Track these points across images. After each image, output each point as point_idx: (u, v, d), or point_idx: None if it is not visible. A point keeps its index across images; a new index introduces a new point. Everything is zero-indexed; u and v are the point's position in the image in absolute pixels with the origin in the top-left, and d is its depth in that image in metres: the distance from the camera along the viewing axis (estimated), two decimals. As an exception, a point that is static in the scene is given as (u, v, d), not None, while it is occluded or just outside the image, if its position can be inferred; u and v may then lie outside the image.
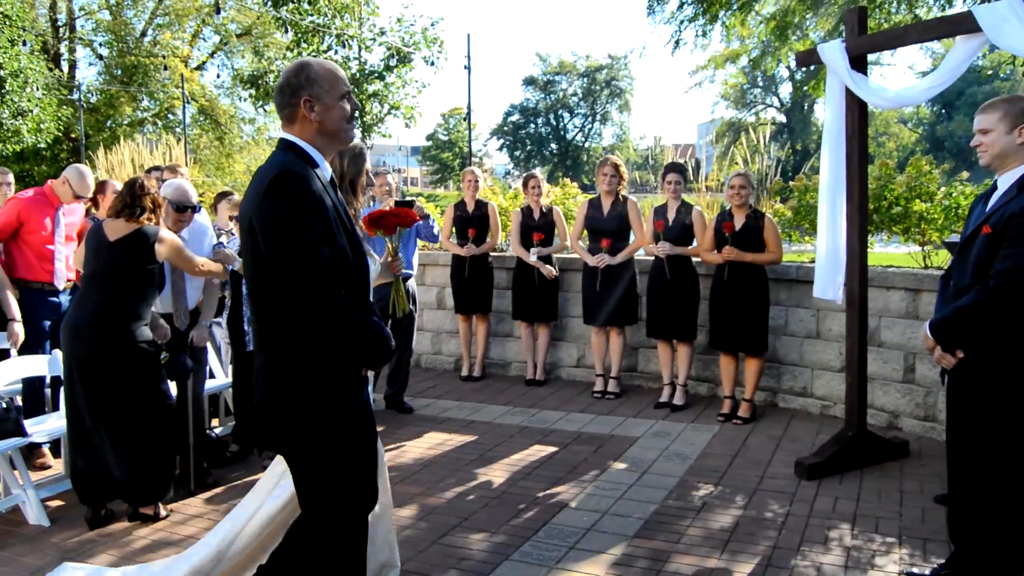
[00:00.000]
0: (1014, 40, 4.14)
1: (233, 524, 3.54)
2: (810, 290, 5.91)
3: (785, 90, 57.09)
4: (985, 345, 3.18)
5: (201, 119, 27.56)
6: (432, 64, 11.21)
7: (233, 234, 5.79)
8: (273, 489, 3.51)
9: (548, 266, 7.39)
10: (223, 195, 6.57)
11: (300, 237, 2.46)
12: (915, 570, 3.80)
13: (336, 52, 11.00)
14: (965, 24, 4.44)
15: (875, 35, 5.34)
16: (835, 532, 4.34)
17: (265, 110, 13.26)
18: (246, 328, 5.48)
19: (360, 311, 2.64)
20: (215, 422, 6.30)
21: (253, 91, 11.63)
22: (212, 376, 6.04)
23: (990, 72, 38.36)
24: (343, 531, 2.79)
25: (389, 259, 3.82)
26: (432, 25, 11.08)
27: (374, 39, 11.15)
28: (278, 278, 2.49)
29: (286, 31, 10.61)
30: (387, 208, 6.34)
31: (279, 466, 3.47)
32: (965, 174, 7.46)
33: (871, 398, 6.01)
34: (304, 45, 10.87)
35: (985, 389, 3.19)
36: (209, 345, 5.59)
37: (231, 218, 5.66)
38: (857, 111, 5.19)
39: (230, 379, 5.90)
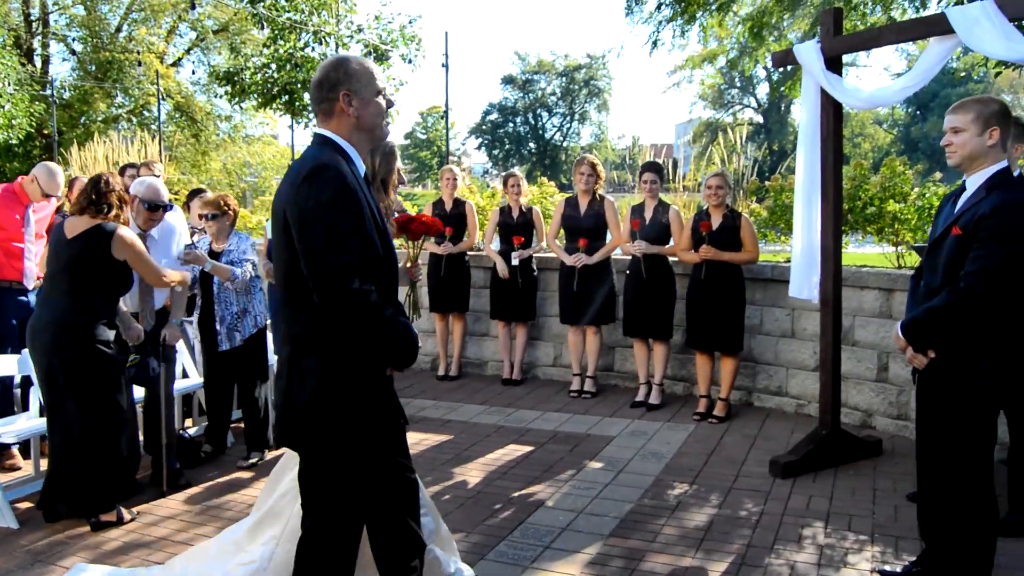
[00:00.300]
0: (985, 42, 4.17)
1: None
2: (785, 290, 5.94)
3: (762, 91, 57.50)
4: (955, 345, 3.20)
5: (177, 116, 27.33)
6: (410, 62, 11.20)
7: (205, 232, 5.74)
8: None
9: (503, 264, 7.40)
10: (195, 192, 6.52)
11: (334, 229, 2.45)
12: (887, 568, 3.83)
13: (313, 49, 10.93)
14: (938, 26, 4.47)
15: (850, 36, 5.37)
16: (809, 530, 4.37)
17: (241, 107, 13.16)
18: (218, 328, 5.43)
19: (389, 309, 2.61)
20: (188, 422, 6.24)
21: (229, 88, 11.52)
22: (185, 376, 5.99)
23: (963, 74, 38.79)
24: (344, 535, 2.75)
25: (408, 265, 3.74)
26: (410, 23, 11.09)
27: (351, 36, 11.10)
28: (310, 269, 2.47)
29: (262, 27, 10.53)
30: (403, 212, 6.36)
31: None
32: (938, 175, 7.54)
33: (845, 397, 6.05)
34: (281, 42, 10.80)
35: (954, 388, 3.22)
36: (181, 344, 5.54)
37: (201, 216, 5.60)
38: (832, 112, 5.22)
39: (202, 379, 5.84)
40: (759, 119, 57.89)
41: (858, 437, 5.59)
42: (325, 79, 2.66)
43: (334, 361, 2.58)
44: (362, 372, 2.61)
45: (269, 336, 6.36)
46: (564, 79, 68.77)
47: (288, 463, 3.53)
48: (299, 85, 10.92)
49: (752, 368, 6.96)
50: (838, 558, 4.04)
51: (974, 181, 3.28)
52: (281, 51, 10.69)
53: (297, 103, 11.13)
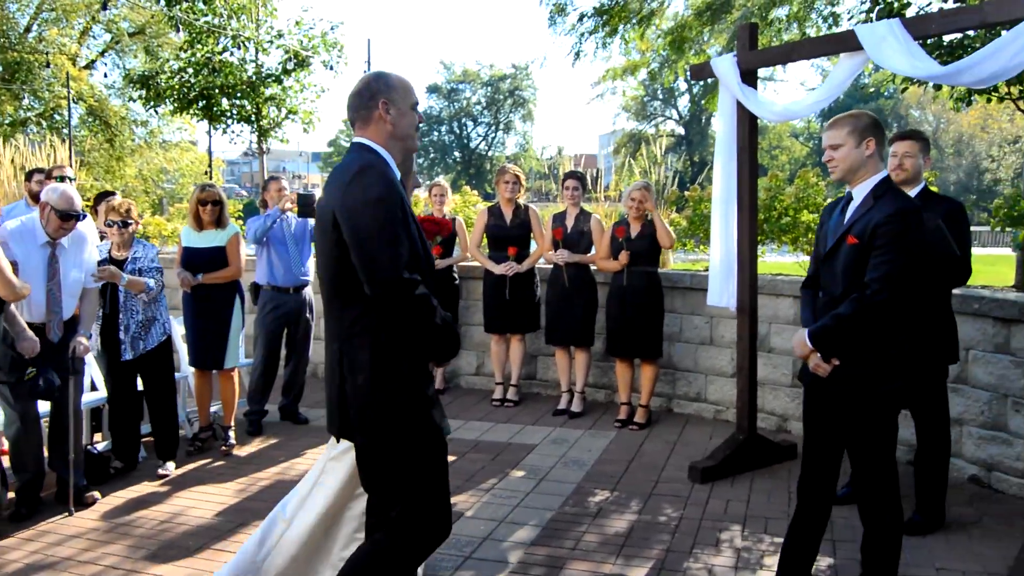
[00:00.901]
0: (891, 59, 4.33)
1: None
2: (704, 298, 6.05)
3: (684, 103, 58.62)
4: (861, 351, 3.29)
5: (90, 120, 26.44)
6: (331, 68, 11.03)
7: (106, 238, 5.55)
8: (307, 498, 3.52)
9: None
10: (104, 196, 6.30)
11: (383, 223, 2.58)
12: None
13: (232, 54, 10.70)
14: (847, 43, 4.61)
15: (765, 51, 5.51)
16: (726, 534, 4.44)
17: (156, 112, 12.78)
18: (121, 337, 5.25)
19: (435, 300, 2.74)
20: (98, 436, 6.02)
21: (144, 92, 11.20)
22: (94, 388, 5.77)
23: (872, 90, 40.28)
24: (415, 534, 2.79)
25: None
26: (332, 29, 10.91)
27: (271, 42, 10.89)
28: (362, 261, 2.59)
29: (178, 30, 10.27)
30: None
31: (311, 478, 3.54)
32: (897, 186, 7.73)
33: (761, 402, 6.18)
34: (199, 46, 10.54)
35: (860, 394, 3.28)
36: (90, 356, 5.34)
37: (110, 224, 5.38)
38: (747, 124, 5.34)
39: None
40: (680, 131, 58.98)
41: (774, 441, 5.71)
42: (366, 88, 2.83)
43: (384, 355, 2.68)
44: (411, 367, 2.73)
45: (182, 345, 6.19)
46: (489, 89, 68.96)
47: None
48: (216, 90, 10.67)
49: (672, 375, 7.06)
50: (755, 560, 4.11)
51: (860, 191, 3.36)
52: (199, 55, 10.42)
53: (215, 108, 10.88)
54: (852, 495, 4.81)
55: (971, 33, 6.46)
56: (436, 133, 69.64)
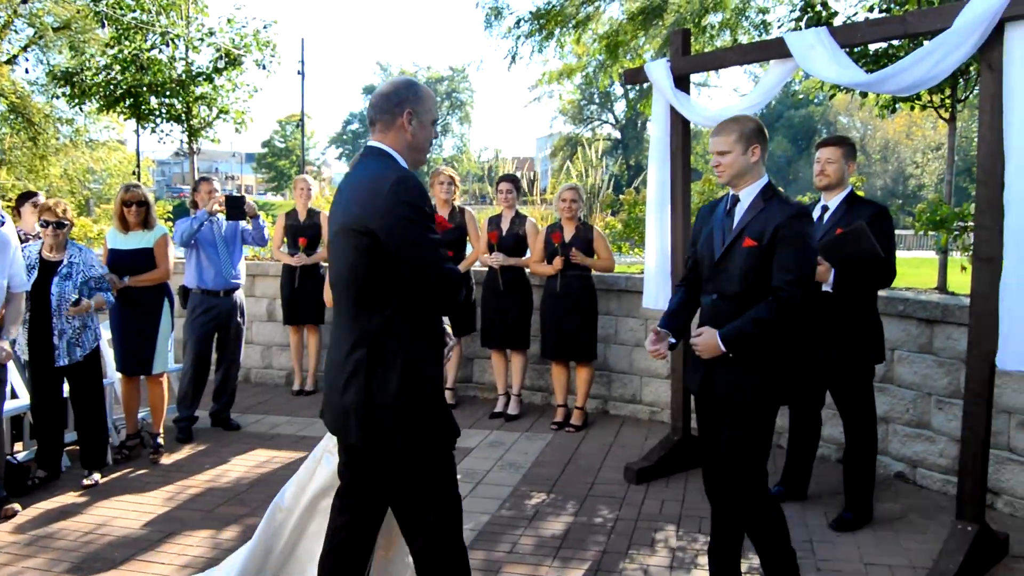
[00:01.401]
0: (819, 66, 4.42)
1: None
2: (639, 300, 6.10)
3: (620, 107, 59.25)
4: (767, 351, 3.34)
5: (12, 117, 25.52)
6: (264, 68, 10.84)
7: (39, 238, 5.37)
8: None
9: None
10: (26, 196, 6.09)
11: (425, 227, 2.68)
12: None
13: (160, 51, 10.43)
14: (777, 50, 4.70)
15: (697, 57, 5.58)
16: (662, 534, 4.48)
17: (82, 109, 12.41)
18: (56, 342, 5.08)
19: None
20: (18, 446, 5.80)
21: (68, 89, 10.85)
22: (15, 396, 5.56)
23: (801, 97, 41.23)
24: (454, 529, 2.87)
25: None
26: (265, 28, 10.72)
27: (202, 39, 10.65)
28: (416, 267, 2.66)
29: (103, 26, 9.99)
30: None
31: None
32: (781, 190, 7.90)
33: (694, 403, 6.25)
34: (126, 42, 10.26)
35: (762, 393, 3.34)
36: (11, 363, 5.13)
37: (45, 225, 5.19)
38: (681, 128, 5.41)
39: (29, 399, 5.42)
40: (617, 135, 59.61)
41: (707, 442, 5.77)
42: (395, 93, 2.83)
43: (416, 359, 2.73)
44: (435, 370, 2.81)
45: (108, 350, 6.01)
46: (426, 91, 68.66)
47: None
48: (144, 88, 10.38)
49: (607, 377, 7.11)
50: (689, 560, 4.15)
51: (747, 194, 3.42)
52: (126, 52, 10.14)
53: (143, 106, 10.58)
54: (785, 493, 4.94)
55: (895, 43, 6.65)
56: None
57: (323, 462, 3.55)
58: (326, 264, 7.71)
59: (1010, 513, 4.74)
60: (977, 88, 6.67)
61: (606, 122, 61.15)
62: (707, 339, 3.39)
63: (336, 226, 2.81)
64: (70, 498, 5.01)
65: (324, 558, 3.03)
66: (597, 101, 59.57)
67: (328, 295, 3.51)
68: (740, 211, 3.43)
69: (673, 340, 3.65)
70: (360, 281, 2.71)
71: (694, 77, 5.65)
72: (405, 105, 2.82)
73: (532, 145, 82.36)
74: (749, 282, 3.34)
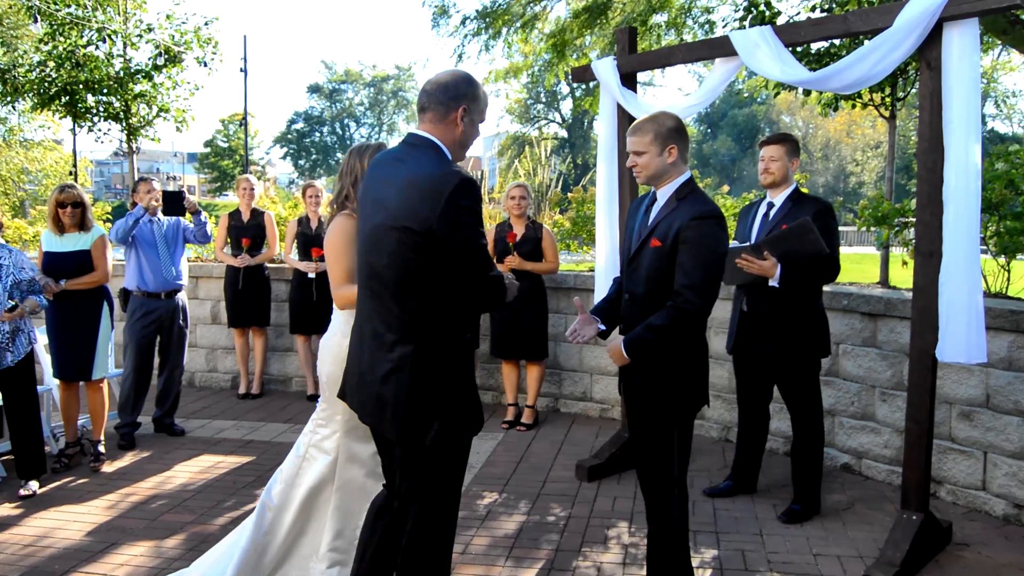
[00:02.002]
0: (763, 64, 4.47)
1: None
2: (589, 298, 6.10)
3: (567, 106, 59.49)
4: (669, 355, 3.29)
5: (-59, 117, 24.70)
6: (205, 65, 10.61)
7: None
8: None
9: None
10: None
11: (482, 235, 2.72)
12: None
13: (97, 48, 10.13)
14: (723, 48, 4.74)
15: (644, 55, 5.60)
16: (614, 531, 4.48)
17: (15, 108, 12.03)
18: (2, 341, 4.92)
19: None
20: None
21: (0, 86, 10.51)
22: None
23: (745, 96, 41.89)
24: (447, 516, 2.91)
25: None
26: (206, 24, 10.48)
27: (140, 36, 10.38)
28: (470, 267, 2.69)
29: (36, 21, 9.69)
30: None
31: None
32: (726, 187, 8.04)
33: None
34: (60, 38, 9.96)
35: (668, 397, 3.29)
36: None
37: None
38: (628, 126, 5.40)
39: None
40: (563, 134, 59.87)
41: (657, 438, 5.80)
42: (454, 86, 2.80)
43: (461, 354, 2.79)
44: (472, 367, 2.88)
45: (45, 356, 5.84)
46: (372, 89, 68.35)
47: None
48: (81, 85, 10.08)
49: (558, 375, 7.12)
50: (641, 556, 4.16)
51: (663, 193, 3.36)
52: (60, 48, 9.84)
53: (79, 105, 10.28)
54: (735, 487, 5.00)
55: (837, 43, 6.77)
56: (318, 134, 68.53)
57: (310, 458, 3.53)
58: (271, 265, 7.67)
59: (952, 501, 4.85)
60: (915, 87, 6.82)
61: (553, 121, 61.37)
62: (613, 347, 3.35)
63: (382, 220, 2.73)
64: (6, 509, 4.84)
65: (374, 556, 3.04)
66: (544, 100, 59.74)
67: (347, 292, 3.43)
68: (655, 210, 3.38)
69: (602, 327, 3.56)
70: (410, 277, 2.70)
71: (640, 76, 5.67)
72: (462, 101, 2.79)
73: (479, 144, 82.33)
74: (654, 284, 3.27)
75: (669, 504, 3.36)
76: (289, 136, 67.48)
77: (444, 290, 2.71)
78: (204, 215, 6.38)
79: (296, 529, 3.54)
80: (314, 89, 68.35)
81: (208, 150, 58.50)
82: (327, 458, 3.51)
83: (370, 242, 2.79)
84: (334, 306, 3.61)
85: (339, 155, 66.51)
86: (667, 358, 3.27)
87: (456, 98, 2.78)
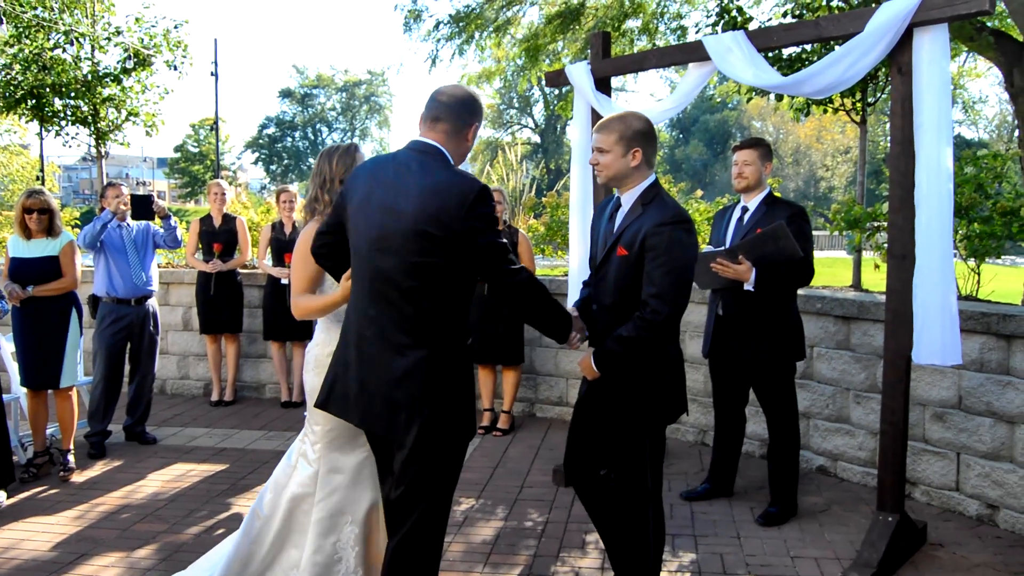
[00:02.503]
0: (736, 69, 4.49)
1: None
2: (564, 303, 6.09)
3: (540, 111, 59.65)
4: (639, 366, 3.23)
5: (-98, 121, 24.27)
6: (175, 69, 10.48)
7: None
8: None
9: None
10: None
11: (501, 234, 2.82)
12: None
13: (64, 51, 9.98)
14: (696, 52, 4.75)
15: (618, 59, 5.61)
16: (592, 535, 4.46)
17: (-19, 111, 11.82)
18: None
19: None
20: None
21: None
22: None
23: (719, 101, 42.23)
24: (444, 520, 2.95)
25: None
26: (176, 27, 10.37)
27: (109, 39, 10.24)
28: (493, 271, 2.78)
29: (1, 23, 9.51)
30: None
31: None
32: (699, 192, 8.09)
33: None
34: (27, 41, 9.81)
35: (638, 408, 3.23)
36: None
37: None
38: (603, 130, 5.42)
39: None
40: (536, 139, 59.99)
41: (634, 442, 5.81)
42: (472, 104, 2.91)
43: (463, 357, 2.87)
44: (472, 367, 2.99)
45: (12, 364, 5.74)
46: (344, 94, 68.10)
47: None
48: (47, 89, 9.92)
49: (534, 380, 7.10)
50: (619, 561, 4.15)
51: (628, 198, 3.29)
52: (27, 51, 9.69)
53: (47, 108, 10.12)
54: (712, 490, 5.01)
55: (808, 48, 6.83)
56: (290, 139, 68.15)
57: (298, 467, 3.48)
58: (244, 271, 7.59)
59: (927, 502, 4.89)
60: (885, 92, 6.90)
61: (526, 126, 61.51)
62: (583, 361, 3.30)
63: (396, 224, 2.72)
64: (-31, 521, 4.74)
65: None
66: (516, 105, 59.87)
67: (304, 303, 3.41)
68: (620, 216, 3.29)
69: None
70: (427, 280, 2.73)
71: (613, 82, 5.68)
72: (475, 119, 2.91)
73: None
74: (621, 293, 3.19)
75: (643, 528, 3.28)
76: (261, 141, 67.03)
77: (456, 294, 2.79)
78: (174, 219, 6.29)
79: (280, 540, 3.49)
80: (286, 94, 67.95)
81: (178, 155, 57.92)
82: (310, 469, 3.46)
83: (378, 245, 2.76)
84: (319, 322, 3.55)
85: (311, 160, 66.20)
86: (639, 368, 3.21)
87: (472, 115, 2.89)
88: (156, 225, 6.27)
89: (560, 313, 3.02)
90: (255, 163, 68.06)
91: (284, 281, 7.10)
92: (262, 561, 3.49)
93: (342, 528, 3.34)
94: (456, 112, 2.85)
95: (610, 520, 3.46)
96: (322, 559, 3.34)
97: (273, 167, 66.99)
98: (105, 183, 6.62)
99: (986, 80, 49.40)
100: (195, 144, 57.32)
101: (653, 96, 63.40)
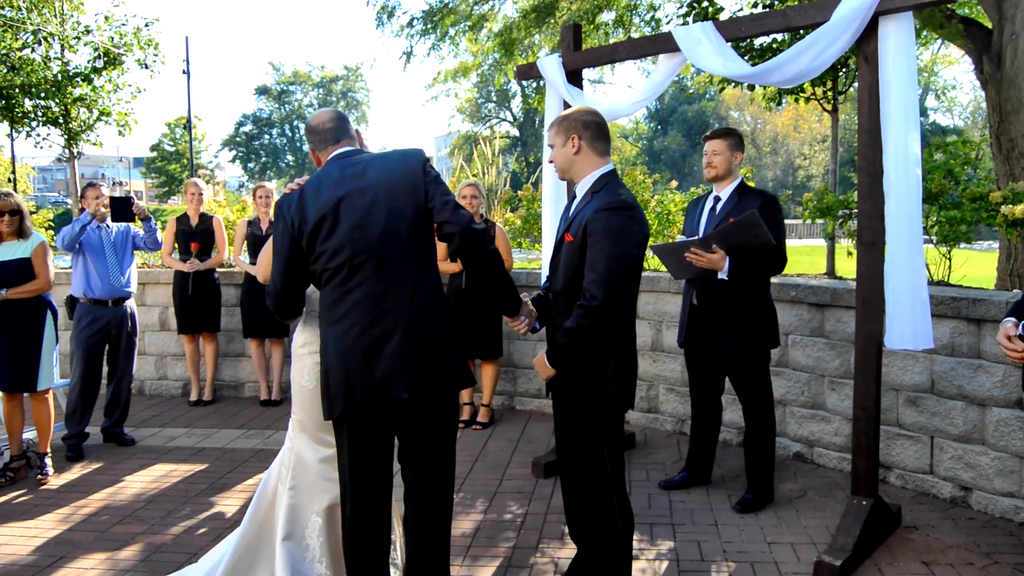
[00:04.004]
0: (706, 59, 4.51)
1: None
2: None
3: (518, 105, 59.57)
4: (587, 358, 3.24)
5: None
6: (146, 68, 10.38)
7: None
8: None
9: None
10: None
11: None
12: None
13: (33, 50, 9.87)
14: (666, 44, 4.77)
15: (589, 51, 5.62)
16: (570, 527, 4.49)
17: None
18: None
19: None
20: None
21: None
22: None
23: (692, 92, 42.35)
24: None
25: None
26: (147, 26, 10.28)
27: (78, 38, 10.13)
28: (458, 213, 2.99)
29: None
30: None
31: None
32: (675, 183, 8.10)
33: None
34: (-6, 41, 9.71)
35: (587, 401, 3.25)
36: None
37: None
38: (576, 122, 5.43)
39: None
40: (515, 132, 59.93)
41: (613, 433, 5.83)
42: (342, 119, 3.26)
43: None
44: None
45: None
46: (321, 91, 67.76)
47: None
48: (16, 89, 9.80)
49: (513, 373, 7.12)
50: (598, 551, 4.17)
51: (581, 188, 3.35)
52: (-5, 52, 9.58)
53: (16, 109, 10.00)
54: (690, 479, 5.05)
55: (779, 38, 6.87)
56: (267, 136, 67.75)
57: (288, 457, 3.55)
58: (222, 269, 7.56)
59: (901, 486, 4.95)
60: (856, 81, 6.95)
61: (504, 120, 61.41)
62: (537, 361, 3.39)
63: (382, 194, 2.97)
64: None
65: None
66: (495, 99, 59.76)
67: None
68: (574, 205, 3.37)
69: (537, 324, 3.52)
70: (423, 238, 3.01)
71: (590, 75, 5.69)
72: (353, 128, 3.26)
73: (431, 144, 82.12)
74: (569, 280, 3.24)
75: (609, 518, 3.29)
76: (238, 139, 66.60)
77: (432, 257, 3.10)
78: (154, 222, 6.26)
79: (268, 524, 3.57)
80: (262, 91, 67.54)
81: (155, 154, 57.40)
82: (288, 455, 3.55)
83: (365, 227, 2.95)
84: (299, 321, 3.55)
85: (289, 157, 65.90)
86: (589, 359, 3.21)
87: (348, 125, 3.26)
88: (136, 227, 6.24)
89: (512, 286, 3.24)
90: (232, 161, 67.65)
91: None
92: (266, 546, 3.53)
93: (308, 517, 3.41)
94: (342, 129, 3.20)
95: (580, 512, 3.48)
96: (292, 544, 3.38)
97: (251, 165, 66.60)
98: (81, 184, 6.57)
99: (960, 67, 49.84)
100: (171, 143, 56.80)
101: (631, 87, 63.47)
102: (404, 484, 3.15)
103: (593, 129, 3.30)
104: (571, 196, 3.51)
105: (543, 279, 5.59)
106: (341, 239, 2.92)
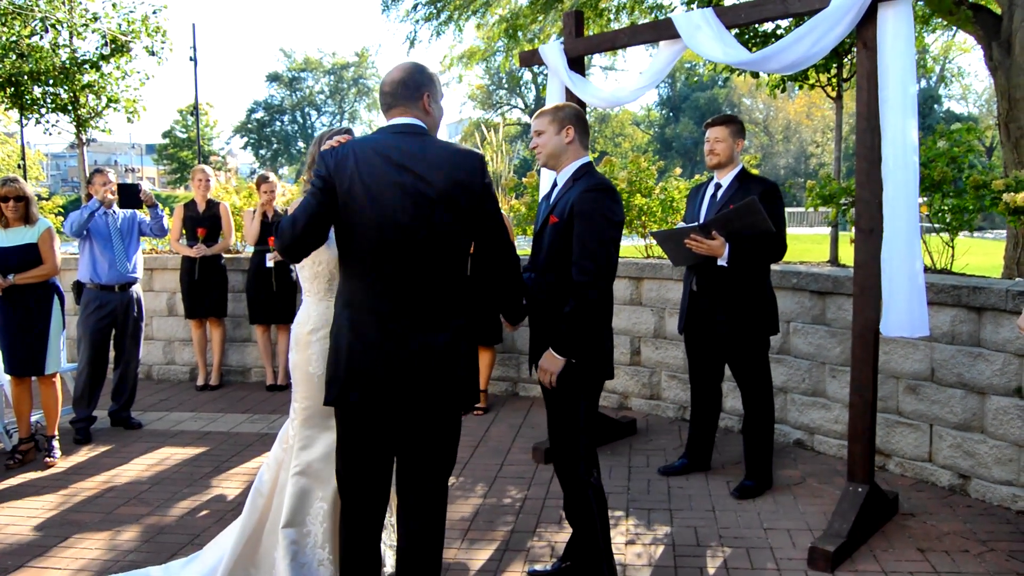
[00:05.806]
0: (705, 46, 4.51)
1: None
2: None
3: (530, 92, 59.41)
4: (585, 340, 3.35)
5: None
6: (154, 55, 10.41)
7: None
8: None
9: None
10: None
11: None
12: (538, 567, 3.87)
13: (41, 37, 9.91)
14: (666, 30, 4.77)
15: (590, 38, 5.62)
16: (569, 512, 4.52)
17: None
18: None
19: None
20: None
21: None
22: None
23: (695, 79, 42.08)
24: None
25: None
26: (154, 13, 10.31)
27: (86, 25, 10.17)
28: (499, 233, 3.00)
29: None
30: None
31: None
32: (678, 170, 8.10)
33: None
34: (3, 28, 9.74)
35: (577, 379, 3.39)
36: None
37: None
38: (578, 109, 5.44)
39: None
40: (527, 119, 59.76)
41: (614, 419, 5.88)
42: (408, 79, 2.96)
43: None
44: None
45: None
46: (332, 77, 67.75)
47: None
48: (26, 76, 9.87)
49: (515, 359, 7.15)
50: (595, 535, 4.20)
51: (563, 175, 3.51)
52: (3, 38, 9.63)
53: (25, 96, 10.06)
54: (689, 464, 5.07)
55: (783, 24, 6.84)
56: (279, 123, 67.83)
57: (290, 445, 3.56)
58: (228, 255, 7.61)
59: (900, 473, 4.97)
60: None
61: (516, 107, 61.28)
62: (546, 358, 3.38)
63: (431, 191, 2.80)
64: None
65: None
66: (506, 86, 59.65)
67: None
68: (555, 192, 3.54)
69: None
70: (458, 250, 2.92)
71: (602, 61, 5.70)
72: (423, 91, 2.96)
73: (443, 131, 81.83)
74: (553, 258, 3.41)
75: (584, 493, 3.44)
76: (249, 126, 66.68)
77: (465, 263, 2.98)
78: (161, 209, 6.31)
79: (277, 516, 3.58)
80: (273, 78, 67.57)
81: (167, 141, 57.58)
82: (284, 445, 3.58)
83: (401, 223, 2.79)
84: (306, 298, 3.54)
85: (301, 144, 65.97)
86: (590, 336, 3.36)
87: (419, 87, 2.95)
88: (142, 214, 6.29)
89: (524, 308, 3.29)
90: (244, 148, 67.76)
91: (269, 264, 7.13)
92: (269, 535, 3.55)
93: (312, 503, 3.42)
94: (399, 93, 2.94)
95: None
96: (293, 531, 3.41)
97: (263, 151, 66.69)
98: (90, 170, 6.62)
99: (975, 55, 49.39)
100: (183, 130, 56.94)
101: (643, 74, 63.22)
102: (397, 473, 3.13)
103: (583, 123, 3.56)
104: (552, 183, 3.64)
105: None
106: (378, 221, 2.78)
